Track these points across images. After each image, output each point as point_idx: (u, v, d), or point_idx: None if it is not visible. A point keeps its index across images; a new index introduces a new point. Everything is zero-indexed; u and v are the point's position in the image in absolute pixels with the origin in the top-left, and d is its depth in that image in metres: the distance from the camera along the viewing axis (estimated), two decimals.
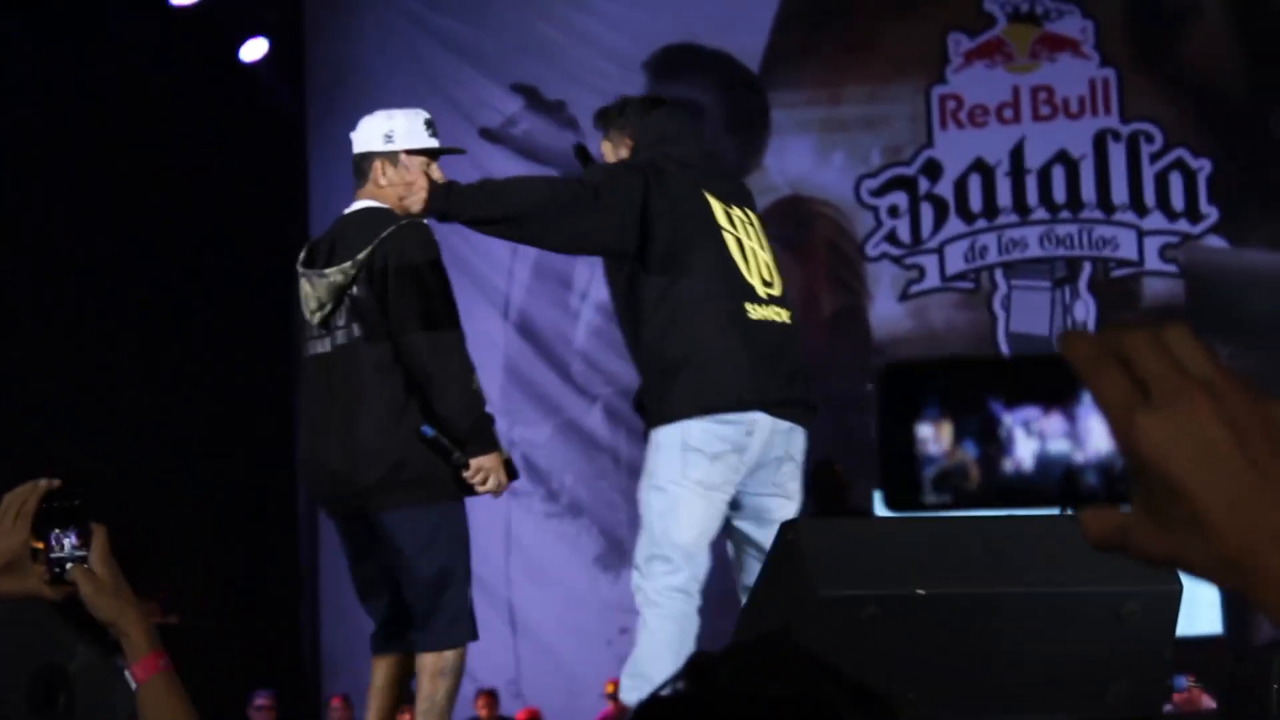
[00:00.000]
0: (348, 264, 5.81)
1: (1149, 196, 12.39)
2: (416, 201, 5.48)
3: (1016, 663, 4.22)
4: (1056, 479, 1.16)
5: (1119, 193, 12.40)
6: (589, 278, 12.44)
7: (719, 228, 5.69)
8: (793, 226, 12.74)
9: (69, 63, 11.77)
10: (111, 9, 12.10)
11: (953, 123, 12.58)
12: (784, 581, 4.30)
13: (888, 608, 4.15)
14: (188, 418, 12.19)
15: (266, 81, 12.99)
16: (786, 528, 4.41)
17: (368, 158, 5.99)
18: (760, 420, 5.52)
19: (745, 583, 5.58)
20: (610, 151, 5.88)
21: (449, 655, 5.83)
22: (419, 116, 6.03)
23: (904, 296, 12.56)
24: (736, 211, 5.80)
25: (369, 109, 6.09)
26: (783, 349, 5.65)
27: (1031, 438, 1.15)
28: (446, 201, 5.50)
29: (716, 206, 5.73)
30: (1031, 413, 1.16)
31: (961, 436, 1.16)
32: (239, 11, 12.75)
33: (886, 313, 12.61)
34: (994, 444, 1.16)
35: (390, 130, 5.98)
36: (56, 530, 2.88)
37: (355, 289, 5.84)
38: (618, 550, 12.43)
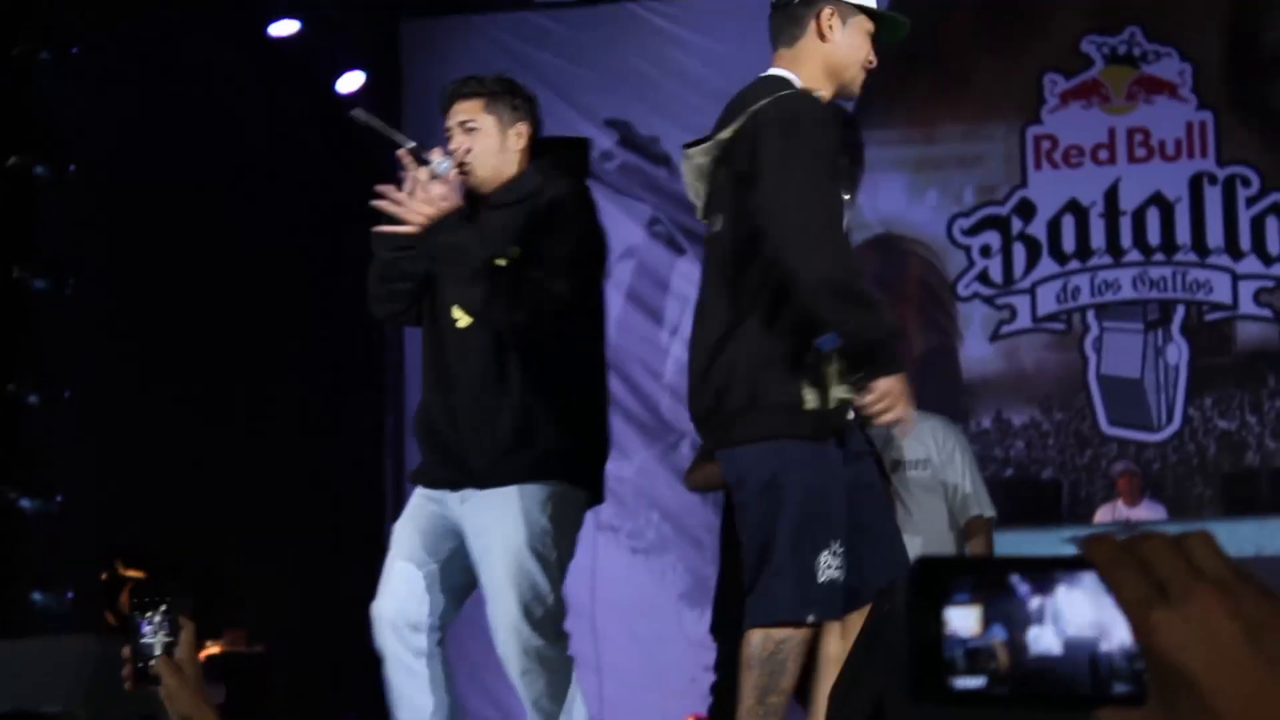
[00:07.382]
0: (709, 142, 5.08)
1: (1244, 240, 12.29)
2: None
3: None
4: (1084, 663, 1.19)
5: (1214, 236, 12.31)
6: (680, 312, 12.44)
7: None
8: (885, 265, 12.73)
9: (164, 93, 11.86)
10: (209, 38, 12.19)
11: (1047, 163, 12.53)
12: (879, 655, 4.27)
13: None
14: (275, 441, 12.25)
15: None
16: (884, 598, 4.38)
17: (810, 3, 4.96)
18: None
19: None
20: (494, 126, 5.57)
21: None
22: None
23: (995, 337, 12.50)
24: None
25: None
26: None
27: (1058, 623, 1.20)
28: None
29: None
30: (1059, 599, 1.20)
31: (991, 620, 1.20)
32: (336, 44, 12.83)
33: (977, 353, 12.56)
34: (1021, 627, 1.20)
35: None
36: (150, 615, 2.91)
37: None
38: (703, 587, 12.41)
